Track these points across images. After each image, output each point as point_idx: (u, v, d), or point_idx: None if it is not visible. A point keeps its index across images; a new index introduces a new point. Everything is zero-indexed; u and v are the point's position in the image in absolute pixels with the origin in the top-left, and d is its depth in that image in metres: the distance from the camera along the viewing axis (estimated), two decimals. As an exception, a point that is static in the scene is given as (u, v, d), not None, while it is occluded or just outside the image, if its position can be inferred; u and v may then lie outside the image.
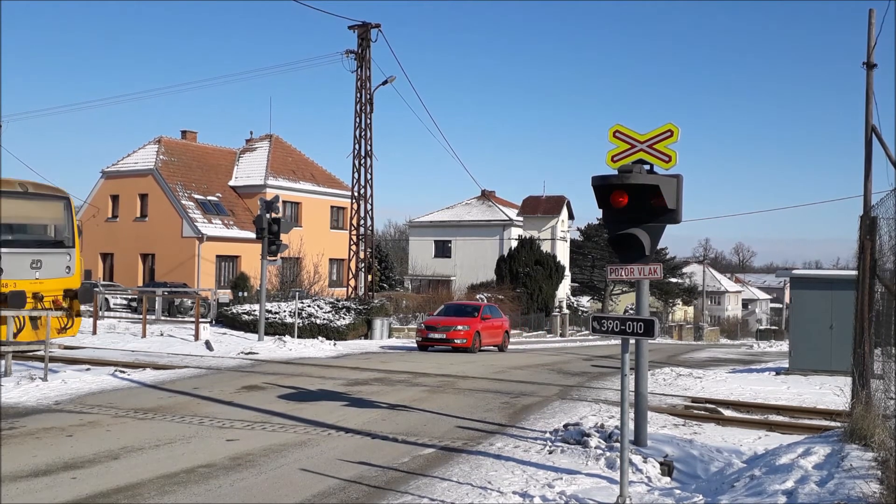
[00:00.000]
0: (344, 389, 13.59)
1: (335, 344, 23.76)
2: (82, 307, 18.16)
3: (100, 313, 28.50)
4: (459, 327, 24.07)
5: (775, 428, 11.85)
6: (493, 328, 26.21)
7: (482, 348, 25.11)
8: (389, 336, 29.77)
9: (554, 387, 15.19)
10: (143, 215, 41.97)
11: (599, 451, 9.05)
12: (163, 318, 31.34)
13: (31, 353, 15.93)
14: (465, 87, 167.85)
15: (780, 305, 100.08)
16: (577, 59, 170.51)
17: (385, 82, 30.36)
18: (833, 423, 10.86)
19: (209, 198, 41.78)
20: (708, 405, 13.78)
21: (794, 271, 23.03)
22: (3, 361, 14.11)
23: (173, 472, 8.17)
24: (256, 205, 31.70)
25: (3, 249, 16.59)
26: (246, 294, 32.00)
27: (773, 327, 79.27)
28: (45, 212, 18.67)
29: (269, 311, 26.51)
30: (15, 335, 16.55)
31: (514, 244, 50.22)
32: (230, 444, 9.52)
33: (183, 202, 40.25)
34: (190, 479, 7.95)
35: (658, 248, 9.68)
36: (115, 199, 43.19)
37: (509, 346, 28.09)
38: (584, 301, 61.68)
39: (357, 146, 30.91)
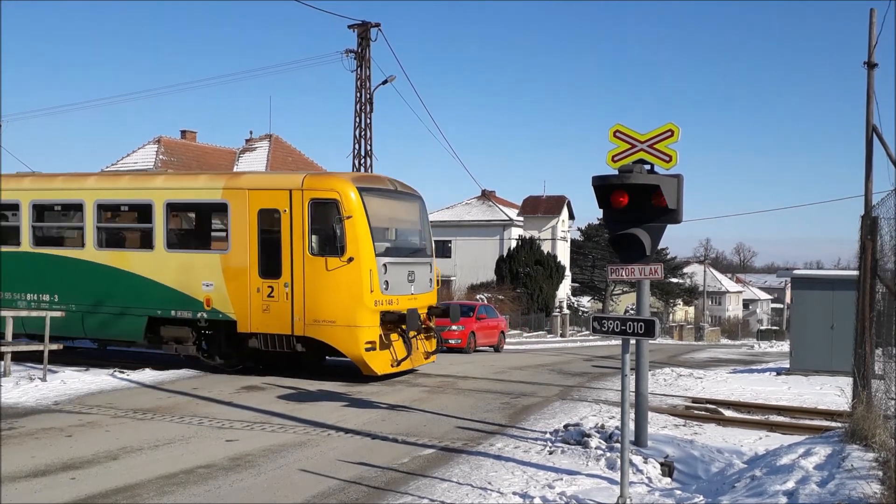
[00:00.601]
0: (343, 389, 13.57)
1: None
2: None
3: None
4: (454, 327, 23.94)
5: (776, 428, 11.83)
6: (488, 328, 26.12)
7: (477, 349, 25.03)
8: (390, 336, 29.70)
9: (554, 387, 15.16)
10: (144, 215, 41.91)
11: (600, 452, 9.04)
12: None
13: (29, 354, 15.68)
14: (466, 87, 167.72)
15: (781, 306, 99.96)
16: (577, 59, 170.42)
17: (385, 82, 30.32)
18: (834, 424, 10.82)
19: (209, 198, 41.84)
20: (709, 405, 13.76)
21: (795, 271, 23.01)
22: (2, 362, 14.08)
23: (172, 473, 8.16)
24: (256, 205, 31.64)
25: (387, 259, 14.32)
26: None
27: (774, 327, 79.20)
28: (408, 214, 16.04)
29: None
30: (399, 362, 14.48)
31: (515, 244, 50.16)
32: (229, 444, 9.50)
33: (183, 202, 40.18)
34: (189, 480, 7.94)
35: (659, 248, 9.63)
36: (115, 199, 43.13)
37: (505, 347, 28.05)
38: (585, 301, 61.63)
39: (357, 146, 30.88)
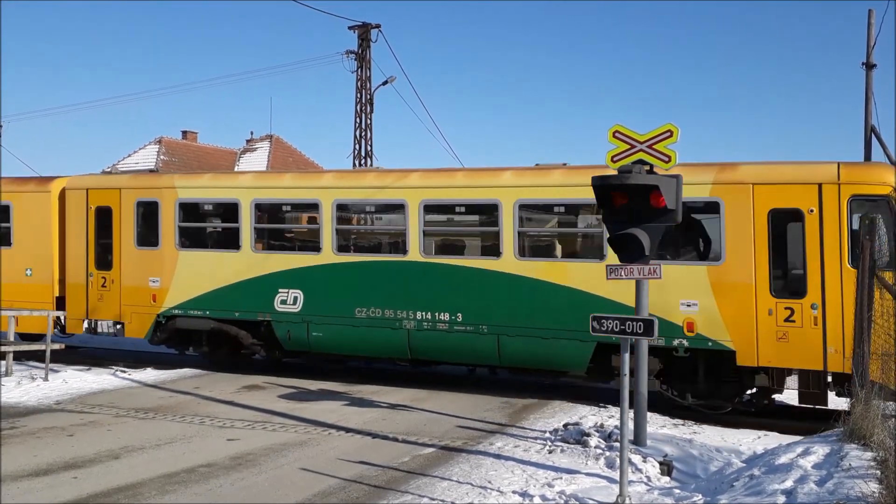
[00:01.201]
0: (344, 389, 13.61)
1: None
2: None
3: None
4: None
5: (774, 427, 11.85)
6: None
7: None
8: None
9: (553, 386, 15.19)
10: (144, 215, 41.94)
11: (599, 451, 9.08)
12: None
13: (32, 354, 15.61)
14: (466, 88, 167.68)
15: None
16: (578, 59, 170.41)
17: (385, 82, 30.35)
18: (832, 423, 10.84)
19: (210, 198, 41.83)
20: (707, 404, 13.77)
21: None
22: (3, 361, 14.13)
23: (174, 472, 8.20)
24: (257, 205, 31.63)
25: None
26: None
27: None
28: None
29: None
30: None
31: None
32: (231, 443, 9.55)
33: (183, 202, 40.16)
34: (190, 479, 7.98)
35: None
36: (115, 199, 43.16)
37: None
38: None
39: (357, 146, 30.93)
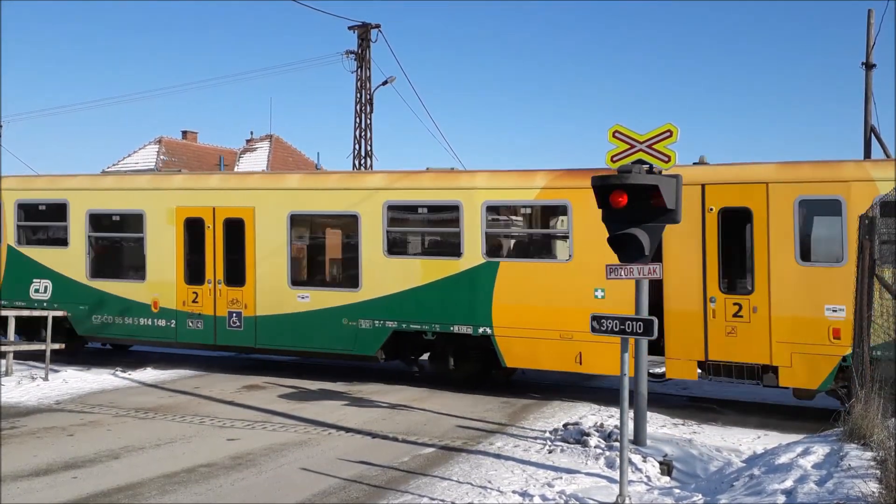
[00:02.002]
0: (344, 389, 13.61)
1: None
2: None
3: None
4: None
5: (775, 427, 11.85)
6: None
7: None
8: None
9: (553, 385, 15.20)
10: (144, 215, 41.89)
11: (599, 451, 9.08)
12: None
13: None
14: (466, 88, 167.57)
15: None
16: (579, 59, 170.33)
17: (385, 82, 30.37)
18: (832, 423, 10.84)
19: (210, 198, 41.78)
20: (707, 404, 13.80)
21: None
22: (3, 361, 14.14)
23: (174, 472, 8.21)
24: (257, 205, 31.55)
25: None
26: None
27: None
28: None
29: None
30: None
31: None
32: (231, 443, 9.55)
33: (183, 202, 40.11)
34: (190, 479, 7.99)
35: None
36: (115, 199, 43.10)
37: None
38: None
39: (357, 146, 30.93)
